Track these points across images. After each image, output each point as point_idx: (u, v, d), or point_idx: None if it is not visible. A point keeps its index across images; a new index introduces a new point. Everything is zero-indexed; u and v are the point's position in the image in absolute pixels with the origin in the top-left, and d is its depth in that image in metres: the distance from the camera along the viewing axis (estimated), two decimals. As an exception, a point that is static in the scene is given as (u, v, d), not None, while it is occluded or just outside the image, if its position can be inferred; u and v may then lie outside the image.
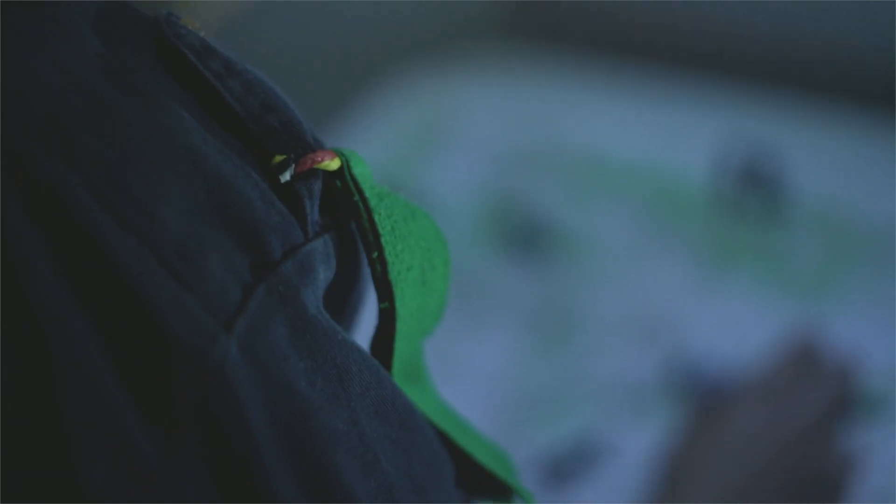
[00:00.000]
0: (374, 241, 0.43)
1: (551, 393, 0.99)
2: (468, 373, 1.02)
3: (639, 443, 0.91)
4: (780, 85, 1.21)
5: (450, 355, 1.02)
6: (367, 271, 0.44)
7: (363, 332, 0.46)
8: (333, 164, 0.42)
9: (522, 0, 1.35)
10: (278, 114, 0.42)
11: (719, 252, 1.10)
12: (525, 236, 1.13)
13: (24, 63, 0.38)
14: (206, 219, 0.38)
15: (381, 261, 0.43)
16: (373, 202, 0.43)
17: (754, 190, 1.12)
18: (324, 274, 0.42)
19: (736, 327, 1.00)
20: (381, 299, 0.44)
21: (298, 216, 0.41)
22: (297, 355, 0.39)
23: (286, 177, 0.41)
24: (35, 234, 0.36)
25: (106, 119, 0.37)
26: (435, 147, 1.24)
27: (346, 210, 0.43)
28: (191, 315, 0.37)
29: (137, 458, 0.37)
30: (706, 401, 0.87)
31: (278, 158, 0.41)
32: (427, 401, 0.46)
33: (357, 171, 0.43)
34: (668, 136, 1.21)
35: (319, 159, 0.41)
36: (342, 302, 0.45)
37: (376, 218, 0.42)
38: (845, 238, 1.09)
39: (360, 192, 0.42)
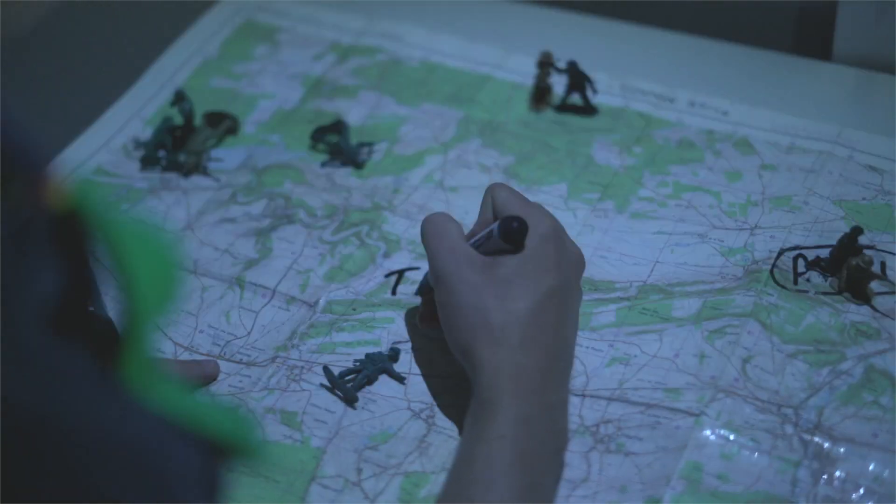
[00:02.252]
0: (114, 257, 0.45)
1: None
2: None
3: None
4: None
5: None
6: (98, 282, 0.48)
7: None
8: (64, 193, 0.44)
9: None
10: (12, 142, 0.44)
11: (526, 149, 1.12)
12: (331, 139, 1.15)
13: None
14: None
15: (124, 272, 0.45)
16: (108, 224, 0.45)
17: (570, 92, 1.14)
18: (52, 291, 0.44)
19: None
20: (125, 307, 0.46)
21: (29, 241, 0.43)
22: None
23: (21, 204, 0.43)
24: None
25: None
26: (257, 45, 1.28)
27: (82, 233, 0.46)
28: None
29: None
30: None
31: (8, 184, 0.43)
32: (160, 389, 0.49)
33: (89, 197, 0.45)
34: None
35: (50, 188, 0.44)
36: (76, 312, 0.48)
37: (113, 237, 0.45)
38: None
39: (96, 217, 0.45)
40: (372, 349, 0.96)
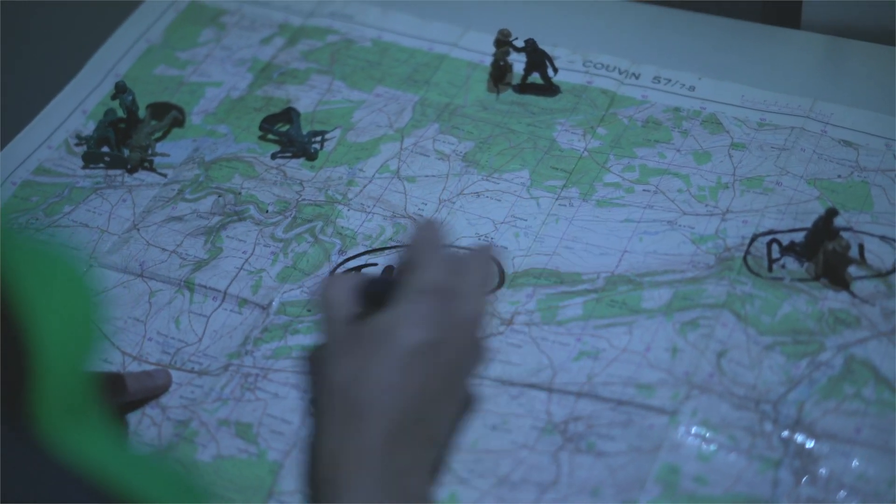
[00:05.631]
0: (17, 292, 0.43)
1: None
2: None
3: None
4: None
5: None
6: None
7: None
8: None
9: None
10: None
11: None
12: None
13: None
14: None
15: (29, 310, 0.43)
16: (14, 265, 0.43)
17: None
18: None
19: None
20: (35, 347, 0.44)
21: None
22: None
23: None
24: None
25: None
26: (202, 29, 1.23)
27: None
28: None
29: None
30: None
31: None
32: (93, 438, 0.45)
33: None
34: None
35: None
36: None
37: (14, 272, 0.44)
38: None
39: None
40: (329, 352, 0.91)
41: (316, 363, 0.79)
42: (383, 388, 0.75)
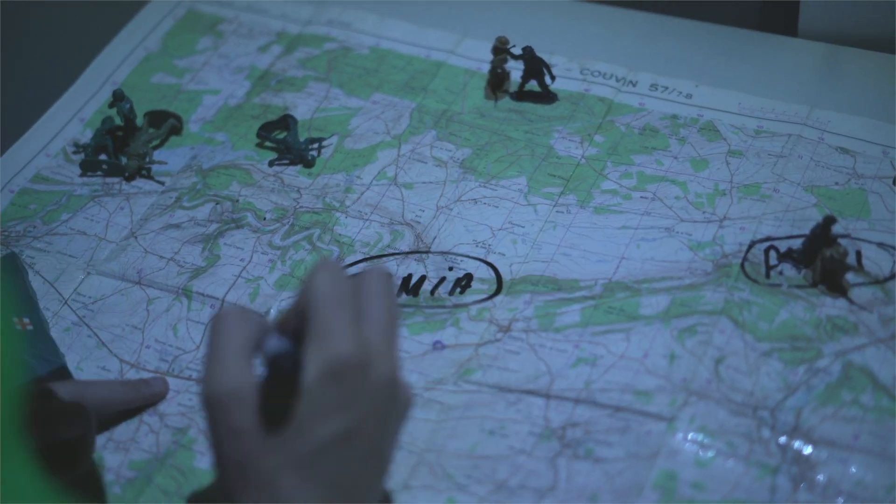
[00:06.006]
0: None
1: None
2: None
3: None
4: None
5: None
6: None
7: None
8: None
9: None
10: None
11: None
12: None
13: None
14: None
15: None
16: None
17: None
18: None
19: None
20: None
21: None
22: None
23: None
24: None
25: None
26: (200, 37, 1.23)
27: None
28: None
29: None
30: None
31: None
32: (16, 472, 0.43)
33: None
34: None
35: None
36: None
37: None
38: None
39: None
40: (327, 360, 0.91)
41: (232, 460, 0.71)
42: (304, 482, 0.70)
